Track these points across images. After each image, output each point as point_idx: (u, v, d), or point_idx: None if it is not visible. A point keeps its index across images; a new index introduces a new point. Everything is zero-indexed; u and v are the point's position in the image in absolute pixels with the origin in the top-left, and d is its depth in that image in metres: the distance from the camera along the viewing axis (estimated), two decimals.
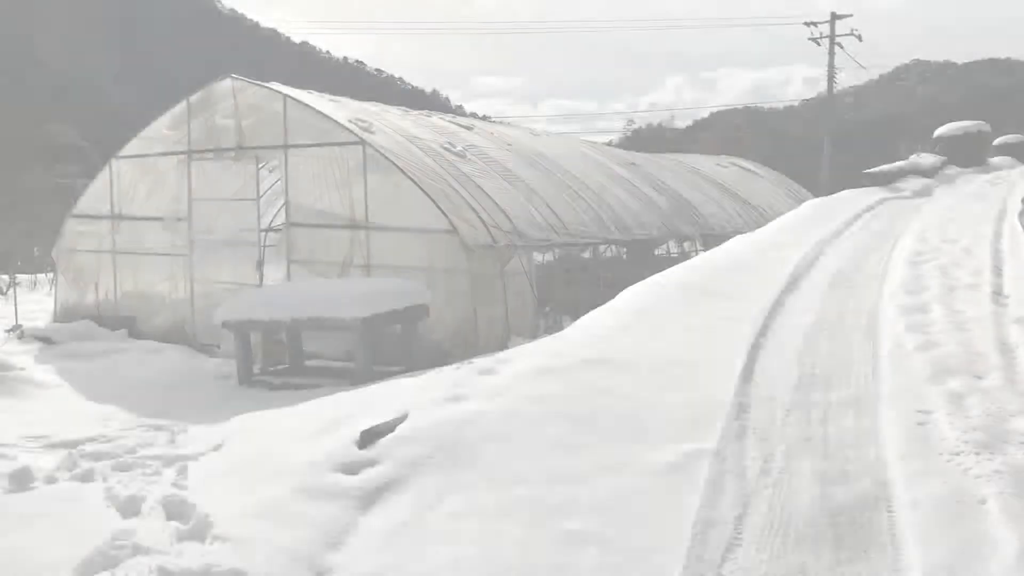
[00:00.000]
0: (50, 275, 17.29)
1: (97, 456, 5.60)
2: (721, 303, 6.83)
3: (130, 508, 4.25)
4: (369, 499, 3.68)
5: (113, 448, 5.90)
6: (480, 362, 5.43)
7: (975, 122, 21.49)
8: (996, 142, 22.44)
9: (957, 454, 3.73)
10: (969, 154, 20.38)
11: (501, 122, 31.35)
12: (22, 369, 8.94)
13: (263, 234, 11.81)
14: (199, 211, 11.57)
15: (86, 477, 5.02)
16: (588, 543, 3.22)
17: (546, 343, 5.90)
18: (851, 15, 33.40)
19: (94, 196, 12.67)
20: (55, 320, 12.64)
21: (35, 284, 19.02)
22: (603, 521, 3.37)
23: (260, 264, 11.11)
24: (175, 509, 4.09)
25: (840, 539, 3.23)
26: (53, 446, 6.03)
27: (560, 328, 8.65)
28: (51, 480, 4.90)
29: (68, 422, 6.93)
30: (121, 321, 12.01)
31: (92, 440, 6.21)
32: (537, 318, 10.89)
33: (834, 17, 33.17)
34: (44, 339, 11.12)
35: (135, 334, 11.86)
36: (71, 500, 4.42)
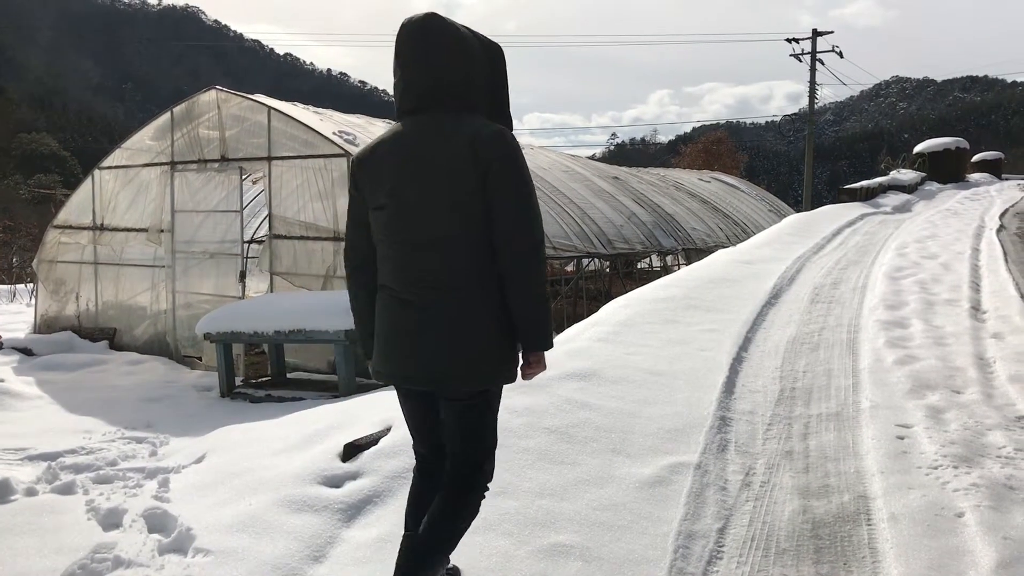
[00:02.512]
0: (30, 286, 17.18)
1: (78, 468, 5.56)
2: (703, 317, 6.88)
3: (111, 521, 4.23)
4: (353, 512, 3.68)
5: (94, 460, 5.86)
6: None
7: (954, 139, 21.85)
8: (975, 158, 22.82)
9: (936, 468, 3.78)
10: (948, 170, 20.73)
11: None
12: (1, 380, 8.86)
13: (246, 246, 11.79)
14: (182, 222, 11.54)
15: (66, 489, 4.99)
16: (571, 556, 3.24)
17: None
18: (832, 32, 33.89)
19: (76, 206, 12.62)
20: (35, 331, 12.55)
21: (14, 295, 18.83)
22: (586, 534, 3.39)
23: (243, 276, 11.09)
24: (157, 522, 4.07)
25: (820, 552, 3.26)
26: (33, 458, 5.98)
27: None
28: (31, 492, 4.86)
29: (48, 434, 6.87)
30: (102, 332, 11.96)
31: (73, 452, 6.16)
32: None
33: (815, 34, 33.59)
34: (24, 350, 11.04)
35: (116, 345, 11.82)
36: (51, 512, 4.38)
